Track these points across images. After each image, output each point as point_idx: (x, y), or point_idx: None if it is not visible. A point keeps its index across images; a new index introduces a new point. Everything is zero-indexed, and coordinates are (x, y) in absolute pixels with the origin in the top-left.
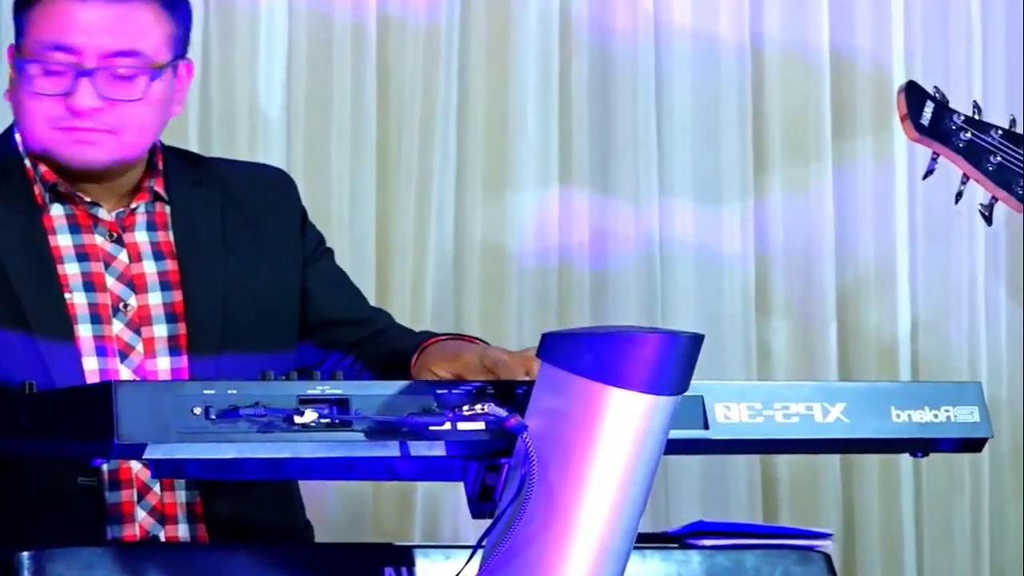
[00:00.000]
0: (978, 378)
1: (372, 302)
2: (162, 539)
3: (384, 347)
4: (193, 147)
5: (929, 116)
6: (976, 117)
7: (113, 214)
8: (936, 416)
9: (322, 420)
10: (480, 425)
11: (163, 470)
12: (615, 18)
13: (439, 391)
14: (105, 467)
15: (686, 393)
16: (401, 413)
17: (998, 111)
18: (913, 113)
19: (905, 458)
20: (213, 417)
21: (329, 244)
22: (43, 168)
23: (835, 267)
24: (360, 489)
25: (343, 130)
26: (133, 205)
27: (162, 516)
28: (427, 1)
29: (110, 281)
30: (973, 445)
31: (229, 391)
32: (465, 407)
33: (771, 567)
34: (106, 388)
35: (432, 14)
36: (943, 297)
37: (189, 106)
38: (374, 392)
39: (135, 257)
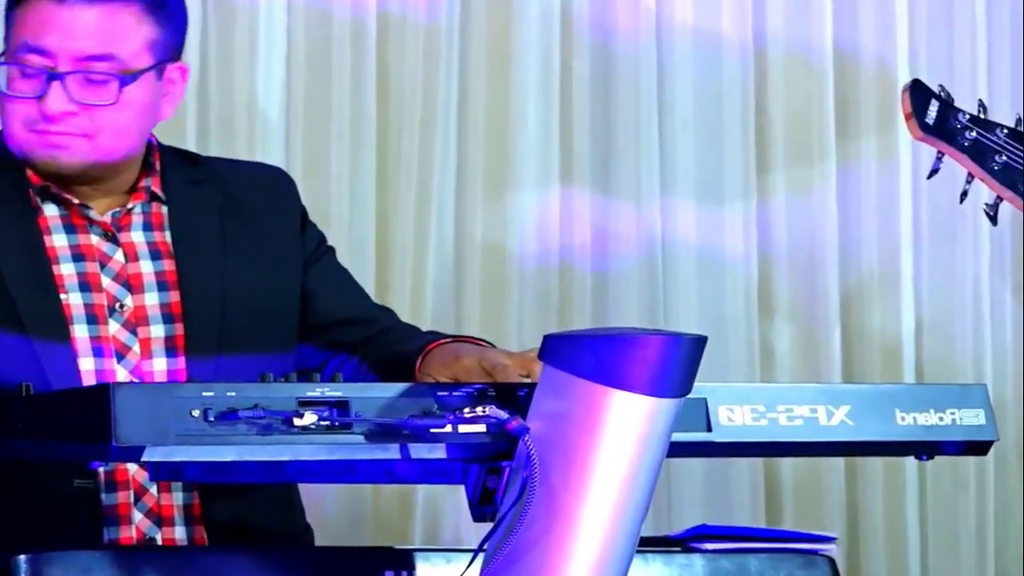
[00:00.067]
0: (983, 379)
1: None
2: (159, 541)
3: (389, 348)
4: (191, 146)
5: (934, 115)
6: (981, 116)
7: (108, 214)
8: (941, 419)
9: (322, 422)
10: (481, 428)
11: (161, 473)
12: (617, 16)
13: (440, 393)
14: (102, 469)
15: (689, 395)
16: (401, 415)
17: (1003, 110)
18: (918, 112)
19: (910, 461)
20: (212, 419)
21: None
22: (29, 171)
23: (839, 268)
24: (360, 492)
25: (343, 130)
26: (129, 205)
27: (159, 518)
28: None
29: (106, 281)
30: (978, 448)
31: (228, 393)
32: (466, 409)
33: (775, 571)
34: (104, 390)
35: (432, 12)
36: (948, 298)
37: (187, 105)
38: (374, 394)
39: (131, 257)
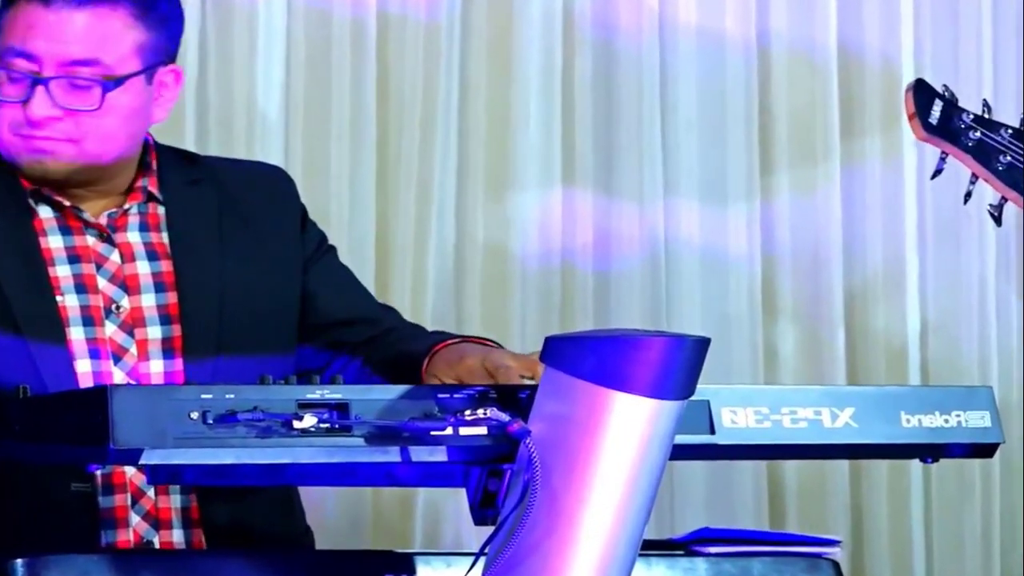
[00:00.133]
0: (988, 381)
1: None
2: (156, 544)
3: (393, 349)
4: (190, 146)
5: (938, 115)
6: (986, 116)
7: (104, 215)
8: (947, 421)
9: (322, 425)
10: (482, 430)
11: (160, 476)
12: (619, 15)
13: (440, 395)
14: (99, 472)
15: (692, 397)
16: (402, 418)
17: (1008, 110)
18: (921, 112)
19: (914, 463)
20: (210, 422)
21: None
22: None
23: (843, 268)
24: (361, 495)
25: (343, 130)
26: (126, 206)
27: (156, 521)
28: None
29: (102, 282)
30: (984, 451)
31: (227, 395)
32: (467, 412)
33: (778, 574)
34: (102, 392)
35: (433, 11)
36: (953, 299)
37: (186, 105)
38: (374, 396)
39: (128, 258)
